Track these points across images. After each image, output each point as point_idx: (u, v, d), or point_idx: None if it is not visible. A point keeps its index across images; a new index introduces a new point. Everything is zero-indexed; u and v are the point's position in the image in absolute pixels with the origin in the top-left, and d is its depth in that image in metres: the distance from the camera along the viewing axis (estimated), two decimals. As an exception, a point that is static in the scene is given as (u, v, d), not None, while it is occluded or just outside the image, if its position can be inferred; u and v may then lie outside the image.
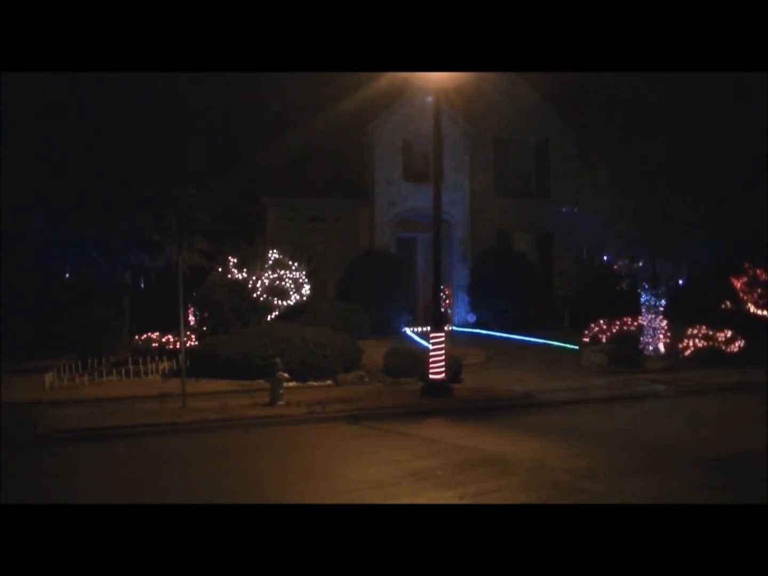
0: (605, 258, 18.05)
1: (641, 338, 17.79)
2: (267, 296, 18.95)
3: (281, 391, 12.90)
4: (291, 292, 19.38)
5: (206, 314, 18.57)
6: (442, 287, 15.63)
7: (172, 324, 14.43)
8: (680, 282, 17.65)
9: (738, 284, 22.20)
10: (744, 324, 19.48)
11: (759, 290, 21.97)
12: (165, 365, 16.23)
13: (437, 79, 14.08)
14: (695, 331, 17.97)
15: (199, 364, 15.27)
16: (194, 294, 18.53)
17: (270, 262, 19.51)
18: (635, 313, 18.32)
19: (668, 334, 17.70)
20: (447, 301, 24.70)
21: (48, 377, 15.05)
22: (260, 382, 13.85)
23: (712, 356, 17.40)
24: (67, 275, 16.95)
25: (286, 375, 13.32)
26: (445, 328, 15.39)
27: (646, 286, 17.68)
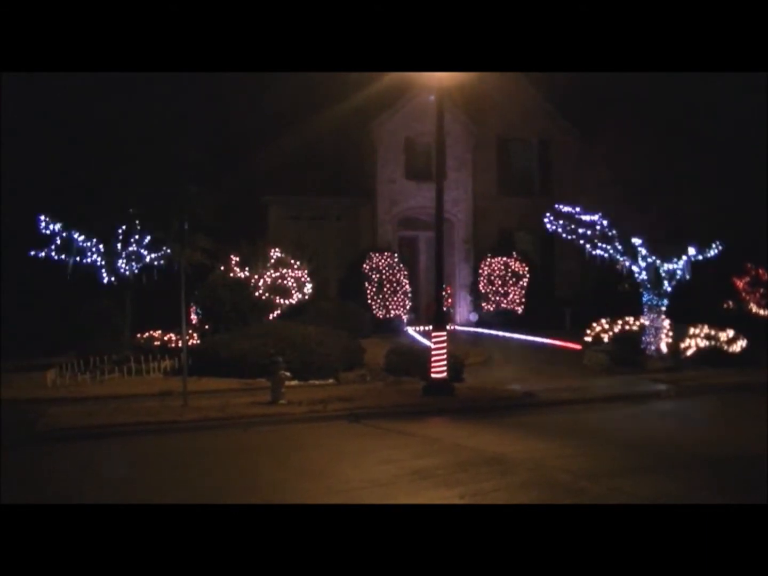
0: (607, 257, 18.00)
1: (643, 338, 17.74)
2: (269, 295, 18.96)
3: (282, 390, 12.91)
4: (293, 291, 19.38)
5: (208, 312, 18.58)
6: (444, 286, 15.63)
7: (174, 322, 14.42)
8: (682, 281, 17.59)
9: (740, 284, 22.25)
10: (746, 324, 19.49)
11: (761, 290, 22.00)
12: (167, 363, 16.23)
13: (440, 78, 14.06)
14: (697, 331, 17.93)
15: (200, 362, 15.28)
16: (196, 292, 18.56)
17: (272, 260, 19.52)
18: (637, 313, 18.27)
19: (670, 334, 17.66)
20: (449, 300, 24.68)
21: (50, 375, 15.09)
22: (262, 381, 13.87)
23: (714, 356, 17.35)
24: (70, 273, 16.96)
25: (287, 374, 13.33)
26: (447, 327, 15.39)
27: (648, 286, 17.65)
